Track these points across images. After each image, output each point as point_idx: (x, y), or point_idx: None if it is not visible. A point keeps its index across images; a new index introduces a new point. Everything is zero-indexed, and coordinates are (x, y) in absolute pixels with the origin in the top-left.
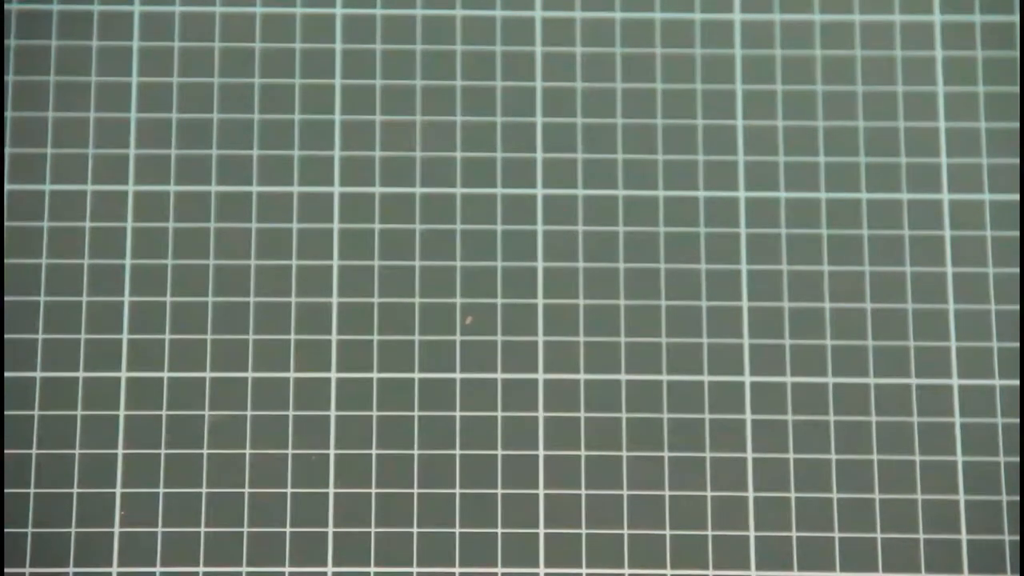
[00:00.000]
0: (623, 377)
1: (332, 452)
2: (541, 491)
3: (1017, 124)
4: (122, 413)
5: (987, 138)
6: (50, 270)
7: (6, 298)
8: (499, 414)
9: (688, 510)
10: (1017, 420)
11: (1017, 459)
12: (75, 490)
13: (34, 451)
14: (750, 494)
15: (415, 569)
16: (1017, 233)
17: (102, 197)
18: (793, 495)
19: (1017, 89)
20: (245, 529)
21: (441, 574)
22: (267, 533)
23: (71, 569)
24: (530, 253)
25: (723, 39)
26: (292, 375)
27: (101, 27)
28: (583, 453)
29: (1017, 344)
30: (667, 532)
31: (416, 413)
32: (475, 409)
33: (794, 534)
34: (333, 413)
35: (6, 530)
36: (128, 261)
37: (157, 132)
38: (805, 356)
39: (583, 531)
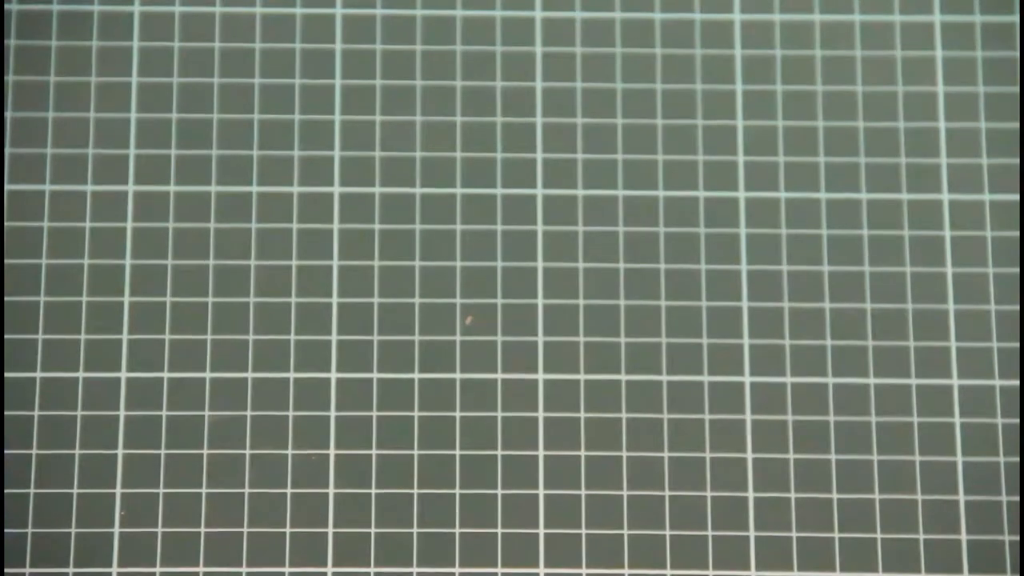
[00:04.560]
0: (623, 377)
1: (332, 452)
2: (541, 491)
3: (1017, 124)
4: (122, 413)
5: (987, 138)
6: (50, 270)
7: (6, 298)
8: (499, 414)
9: (688, 510)
10: (1017, 420)
11: (1017, 459)
12: (75, 490)
13: (34, 451)
14: (750, 494)
15: (415, 569)
16: (1017, 233)
17: (102, 197)
18: (793, 495)
19: (1017, 89)
20: (245, 529)
21: (441, 574)
22: (267, 533)
23: (71, 569)
24: (530, 253)
25: (723, 39)
26: (292, 375)
27: (101, 27)
28: (583, 453)
29: (1017, 344)
30: (667, 532)
31: (416, 413)
32: (475, 409)
33: (794, 534)
34: (333, 413)
35: (6, 530)
36: (128, 261)
37: (157, 132)
38: (805, 356)
39: (583, 531)
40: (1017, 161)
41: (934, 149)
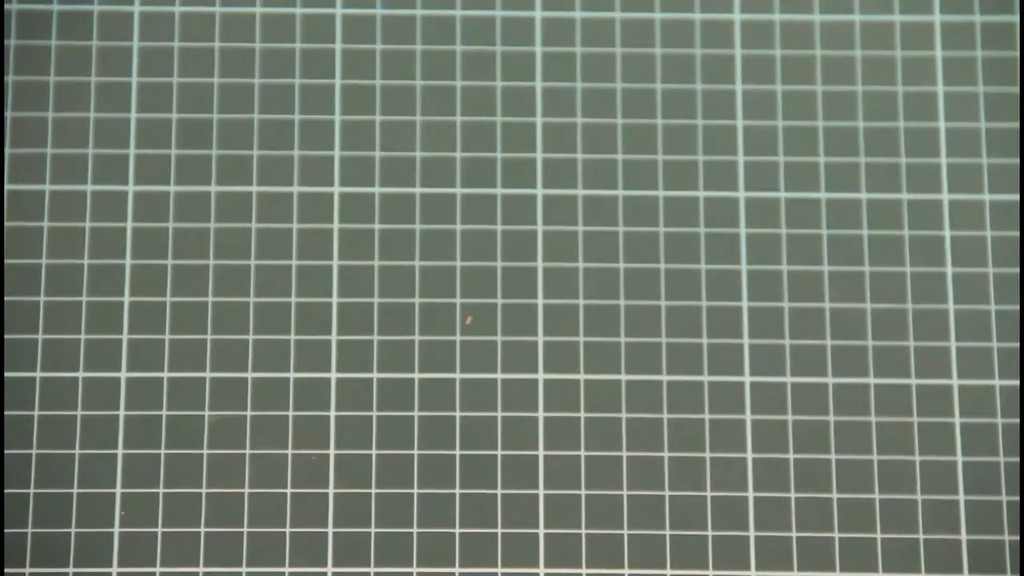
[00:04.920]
0: (623, 377)
1: (332, 452)
2: (541, 491)
3: (1017, 124)
4: (122, 413)
5: (987, 138)
6: (50, 270)
7: (6, 298)
8: (499, 414)
9: (688, 510)
10: (1017, 420)
11: (1017, 459)
12: (75, 490)
13: (34, 451)
14: (750, 494)
15: (415, 569)
16: (1017, 233)
17: (102, 197)
18: (793, 495)
19: (1017, 89)
20: (245, 529)
21: (441, 574)
22: (267, 533)
23: (71, 569)
24: (530, 253)
25: (723, 39)
26: (292, 375)
27: (101, 27)
28: (583, 453)
29: (1017, 344)
30: (667, 532)
31: (416, 413)
32: (475, 409)
33: (794, 534)
34: (333, 413)
35: (6, 530)
36: (128, 261)
37: (157, 132)
38: (805, 356)
39: (583, 531)
40: (1017, 161)
41: (934, 149)
